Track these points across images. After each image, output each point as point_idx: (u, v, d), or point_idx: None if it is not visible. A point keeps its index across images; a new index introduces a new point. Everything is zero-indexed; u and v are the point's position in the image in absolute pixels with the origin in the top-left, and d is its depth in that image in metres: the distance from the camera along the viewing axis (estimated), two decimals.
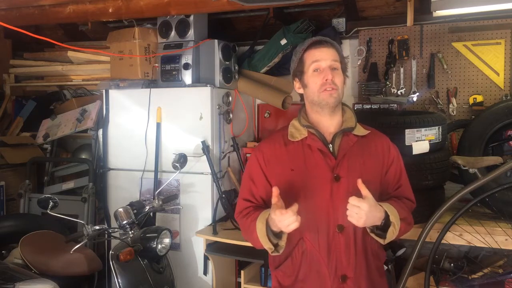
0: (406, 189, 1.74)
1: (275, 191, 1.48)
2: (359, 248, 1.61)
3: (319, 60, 1.60)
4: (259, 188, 1.69)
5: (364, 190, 1.48)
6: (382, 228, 1.57)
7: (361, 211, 1.45)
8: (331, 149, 1.63)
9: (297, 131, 1.67)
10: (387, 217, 1.54)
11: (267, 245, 1.56)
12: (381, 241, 1.59)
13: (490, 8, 2.70)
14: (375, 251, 1.68)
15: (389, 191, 1.70)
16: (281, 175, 1.64)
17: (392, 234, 1.55)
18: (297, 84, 1.70)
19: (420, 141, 2.36)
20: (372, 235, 1.58)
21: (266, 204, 1.67)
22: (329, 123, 1.66)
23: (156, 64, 3.38)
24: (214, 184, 3.02)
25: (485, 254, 2.61)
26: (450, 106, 3.07)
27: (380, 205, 1.53)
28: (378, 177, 1.66)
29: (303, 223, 1.53)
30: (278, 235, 1.55)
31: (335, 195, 1.58)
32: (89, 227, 2.45)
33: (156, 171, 3.19)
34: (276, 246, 1.56)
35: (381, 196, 1.66)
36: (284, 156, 1.65)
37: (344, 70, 1.66)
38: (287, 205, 1.50)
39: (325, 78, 1.58)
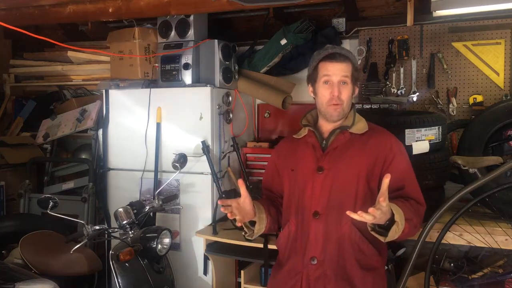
0: (413, 190, 1.75)
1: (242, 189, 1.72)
2: (331, 235, 1.72)
3: (330, 75, 1.74)
4: (273, 179, 1.97)
5: (384, 194, 1.48)
6: (386, 226, 1.57)
7: (380, 213, 1.48)
8: (323, 144, 1.80)
9: (303, 130, 1.90)
10: (392, 216, 1.55)
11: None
12: (381, 238, 1.60)
13: (490, 8, 2.70)
14: (356, 243, 1.72)
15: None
16: (287, 168, 1.89)
17: (394, 233, 1.56)
18: (310, 88, 1.86)
19: (420, 141, 2.36)
20: (373, 233, 1.60)
21: (274, 193, 1.96)
22: (331, 125, 1.84)
23: (156, 64, 3.37)
24: (214, 184, 3.02)
25: (485, 254, 2.61)
26: (450, 106, 3.06)
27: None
28: (365, 173, 1.72)
29: (292, 208, 1.83)
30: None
31: (316, 185, 1.75)
32: (89, 227, 2.45)
33: (156, 171, 3.19)
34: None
35: (370, 192, 1.73)
36: (291, 151, 1.90)
37: (355, 81, 1.79)
38: (293, 193, 1.82)
39: (332, 94, 1.73)
